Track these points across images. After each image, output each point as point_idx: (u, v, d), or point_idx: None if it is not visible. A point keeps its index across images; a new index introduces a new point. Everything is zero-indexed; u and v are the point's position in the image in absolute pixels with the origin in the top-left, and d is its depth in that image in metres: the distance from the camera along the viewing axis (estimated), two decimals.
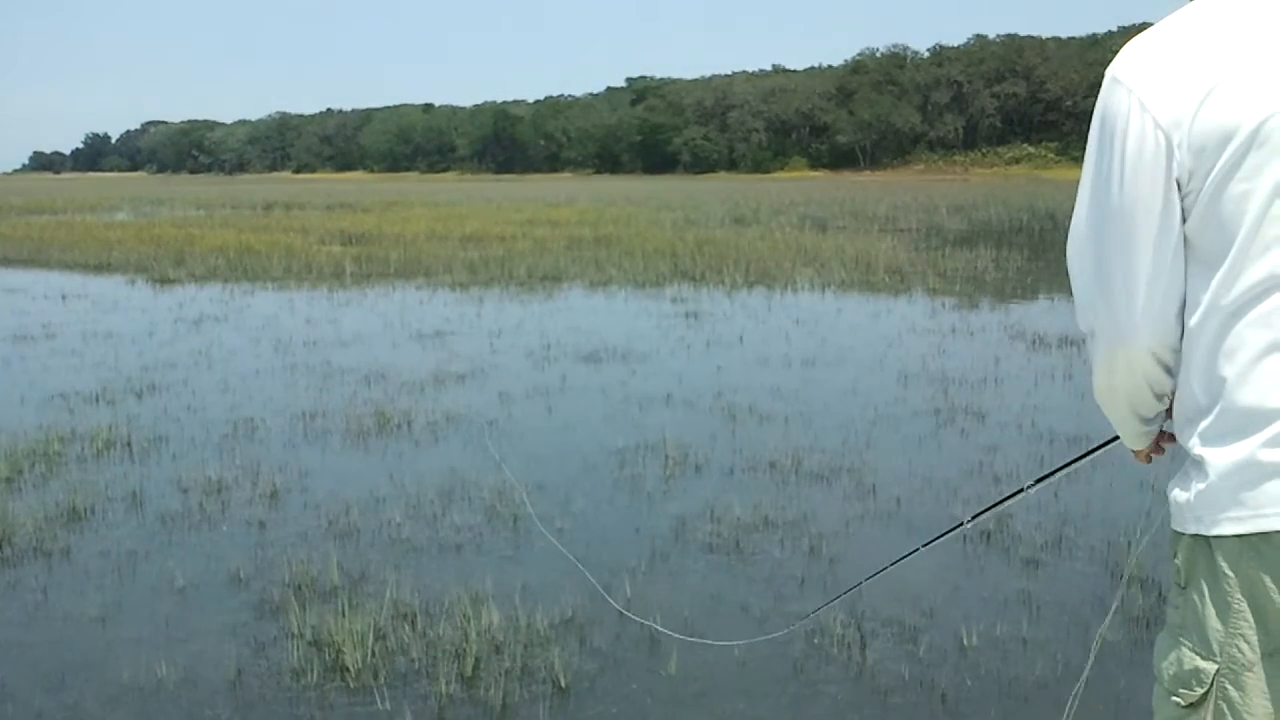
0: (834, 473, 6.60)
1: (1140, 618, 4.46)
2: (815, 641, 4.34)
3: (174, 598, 4.88)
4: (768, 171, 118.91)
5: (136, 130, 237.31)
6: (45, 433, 7.57)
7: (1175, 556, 1.66)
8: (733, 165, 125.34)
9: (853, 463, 6.80)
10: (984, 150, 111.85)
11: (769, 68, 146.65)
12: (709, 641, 4.18)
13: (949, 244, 23.50)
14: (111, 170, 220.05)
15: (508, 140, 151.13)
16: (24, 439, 7.38)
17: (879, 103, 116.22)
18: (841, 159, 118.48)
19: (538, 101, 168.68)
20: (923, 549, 2.84)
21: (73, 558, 5.37)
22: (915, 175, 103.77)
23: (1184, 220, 1.55)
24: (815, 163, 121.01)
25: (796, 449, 7.06)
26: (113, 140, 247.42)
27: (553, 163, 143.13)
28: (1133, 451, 1.98)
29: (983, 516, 2.62)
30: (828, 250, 21.02)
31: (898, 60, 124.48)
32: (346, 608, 4.57)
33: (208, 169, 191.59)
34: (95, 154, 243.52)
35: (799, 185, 76.49)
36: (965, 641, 4.28)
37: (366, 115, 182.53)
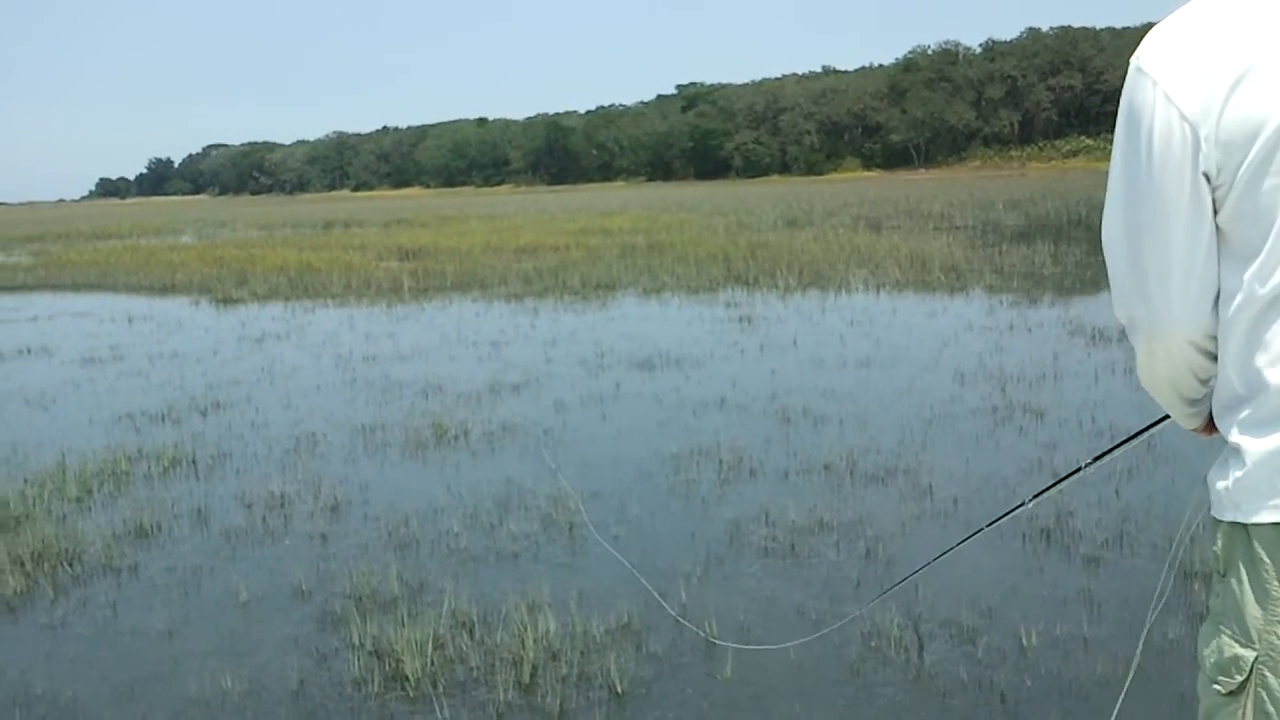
0: (890, 474, 6.56)
1: (1203, 614, 4.37)
2: (872, 644, 4.31)
3: (238, 611, 4.98)
4: (821, 173, 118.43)
5: (198, 154, 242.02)
6: (113, 452, 7.75)
7: (1215, 544, 1.65)
8: (785, 168, 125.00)
9: (909, 463, 6.75)
10: (1040, 144, 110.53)
11: (819, 69, 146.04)
12: (758, 647, 4.18)
13: (1006, 240, 23.22)
14: (175, 194, 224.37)
15: (560, 151, 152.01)
16: (93, 459, 7.57)
17: (932, 100, 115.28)
18: (895, 158, 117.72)
19: (589, 112, 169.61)
20: (986, 529, 2.78)
21: (140, 574, 5.50)
22: (971, 172, 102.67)
23: (1215, 212, 1.53)
24: (869, 163, 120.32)
25: (851, 450, 7.02)
26: (175, 164, 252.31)
27: (605, 172, 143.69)
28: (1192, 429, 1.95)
29: (1044, 495, 2.56)
30: (882, 250, 20.87)
31: (950, 57, 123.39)
32: (406, 618, 4.64)
33: (268, 190, 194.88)
34: (159, 178, 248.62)
35: (852, 186, 76.06)
36: (1025, 641, 4.23)
37: (422, 132, 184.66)
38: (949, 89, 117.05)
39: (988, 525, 2.75)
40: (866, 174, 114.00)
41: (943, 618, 4.49)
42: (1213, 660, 1.65)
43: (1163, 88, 1.49)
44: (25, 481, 7.07)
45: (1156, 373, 1.73)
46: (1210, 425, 1.80)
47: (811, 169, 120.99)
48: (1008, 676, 3.99)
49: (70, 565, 5.59)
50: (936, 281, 16.47)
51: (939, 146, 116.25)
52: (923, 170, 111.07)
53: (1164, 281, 1.58)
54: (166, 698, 4.18)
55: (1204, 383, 1.72)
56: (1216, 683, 1.63)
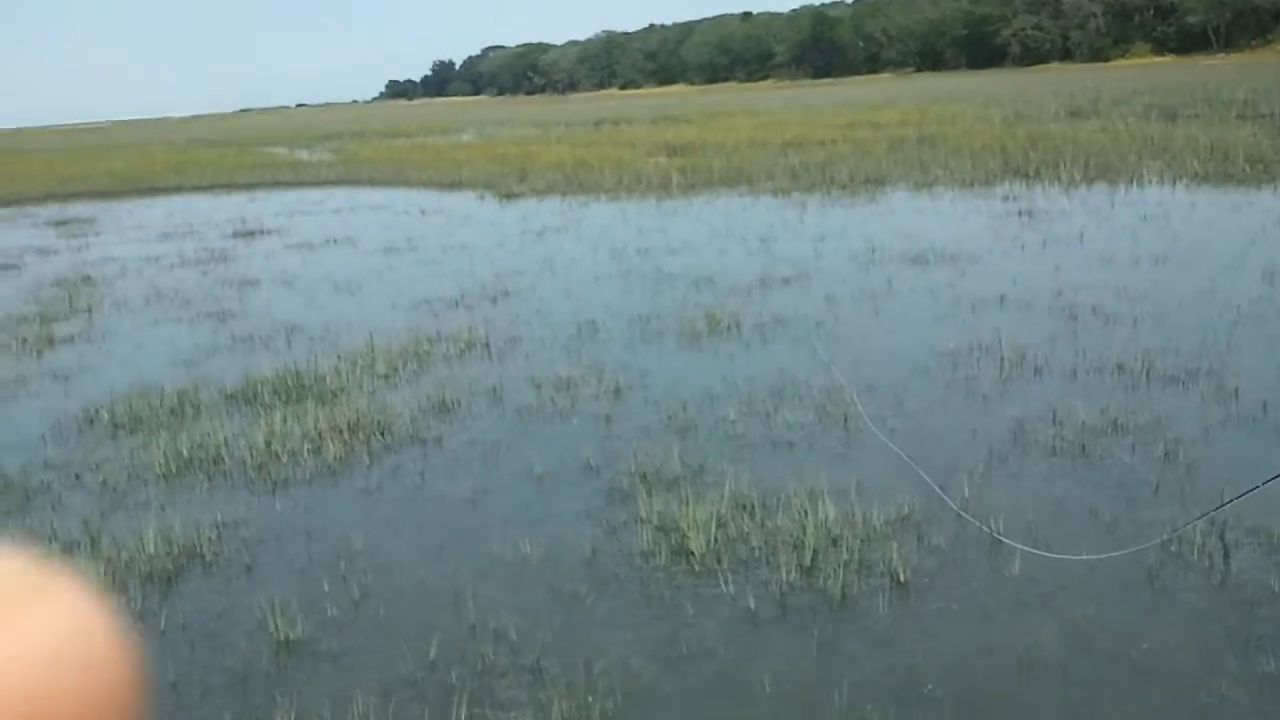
0: (1190, 376, 6.18)
1: None
2: (1171, 549, 4.12)
3: (533, 483, 5.31)
4: (1107, 59, 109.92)
5: (477, 56, 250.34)
6: (414, 334, 8.34)
7: None
8: (1067, 55, 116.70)
9: (1212, 365, 6.33)
10: None
11: None
12: (1055, 555, 4.07)
13: None
14: (456, 95, 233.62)
15: (826, 44, 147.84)
16: (396, 340, 8.18)
17: None
18: (1191, 42, 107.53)
19: (857, 1, 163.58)
20: None
21: (444, 445, 5.94)
22: (1277, 56, 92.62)
23: None
24: (1161, 47, 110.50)
25: (1147, 351, 6.64)
26: (456, 67, 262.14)
27: (872, 64, 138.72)
28: None
29: None
30: (1178, 141, 19.28)
31: None
32: (689, 497, 4.81)
33: (542, 90, 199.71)
34: (442, 80, 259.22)
35: (1143, 72, 70.22)
36: None
37: (687, 29, 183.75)
38: None
39: None
40: (1158, 59, 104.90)
41: (1249, 525, 4.23)
42: None
43: None
44: (339, 359, 7.73)
45: None
46: None
47: (1096, 55, 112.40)
48: None
49: (382, 435, 6.09)
50: (1241, 174, 15.09)
51: (1241, 29, 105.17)
52: (1221, 55, 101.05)
53: None
54: (472, 557, 4.53)
55: None
56: None
